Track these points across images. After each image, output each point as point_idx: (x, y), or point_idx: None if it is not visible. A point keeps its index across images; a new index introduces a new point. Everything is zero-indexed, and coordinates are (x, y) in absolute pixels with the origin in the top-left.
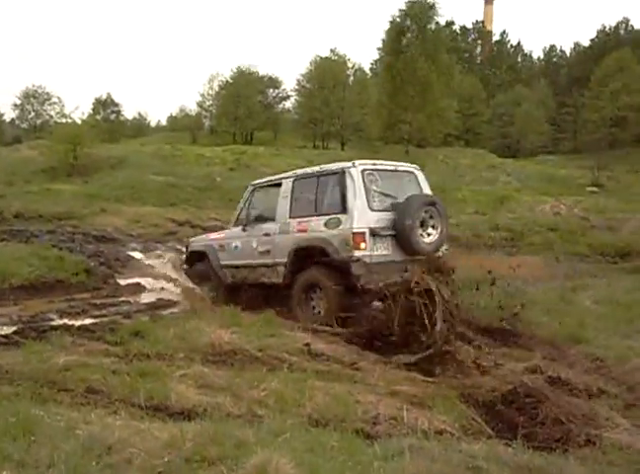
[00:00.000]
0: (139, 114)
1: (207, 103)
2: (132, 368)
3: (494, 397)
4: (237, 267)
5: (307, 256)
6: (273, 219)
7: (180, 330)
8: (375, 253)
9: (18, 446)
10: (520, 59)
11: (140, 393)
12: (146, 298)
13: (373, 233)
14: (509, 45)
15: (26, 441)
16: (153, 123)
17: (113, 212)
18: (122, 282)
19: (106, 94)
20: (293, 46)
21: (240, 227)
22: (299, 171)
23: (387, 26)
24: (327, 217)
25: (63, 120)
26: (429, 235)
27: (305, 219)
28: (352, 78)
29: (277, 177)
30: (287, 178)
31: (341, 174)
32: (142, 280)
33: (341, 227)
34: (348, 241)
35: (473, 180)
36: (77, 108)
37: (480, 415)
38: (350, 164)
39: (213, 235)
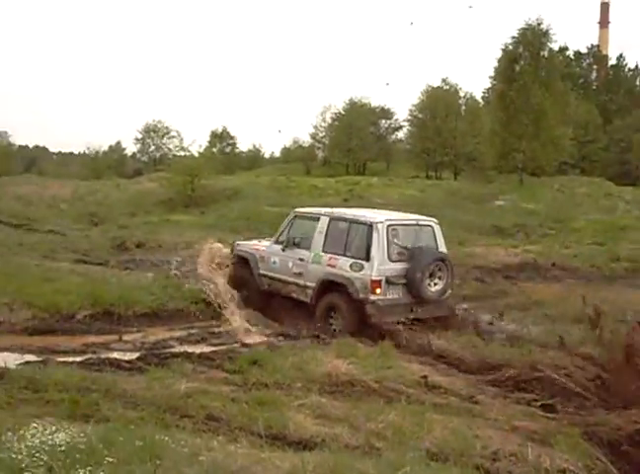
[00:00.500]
0: (254, 146)
1: (320, 134)
2: (251, 397)
3: (620, 436)
4: (273, 278)
5: (332, 287)
6: (308, 248)
7: (297, 359)
8: (388, 296)
9: (145, 470)
10: (638, 83)
11: (259, 422)
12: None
13: (388, 281)
14: (626, 69)
15: (152, 466)
16: (267, 155)
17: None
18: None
19: (222, 127)
20: (405, 77)
21: (280, 247)
22: (335, 211)
23: (499, 53)
24: (353, 261)
25: (182, 153)
26: (435, 285)
27: (335, 256)
28: (464, 107)
29: (316, 211)
30: (325, 215)
31: (369, 226)
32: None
33: (362, 272)
34: (366, 285)
35: (590, 209)
36: (194, 141)
37: (605, 454)
38: (378, 219)
39: (257, 245)
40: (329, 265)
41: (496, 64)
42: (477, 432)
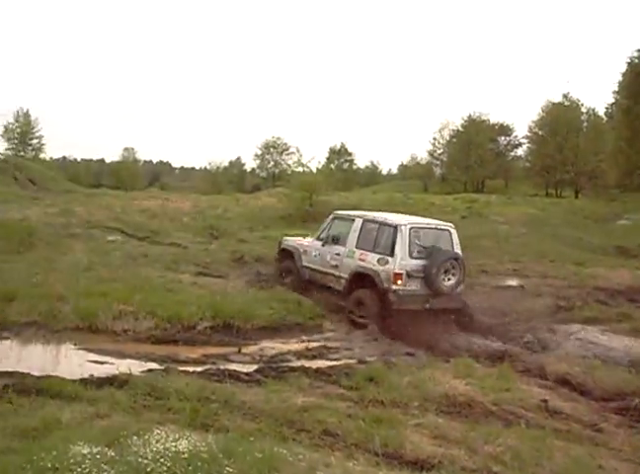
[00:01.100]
0: (371, 162)
1: (438, 151)
2: (367, 414)
3: None
4: (313, 270)
5: (362, 278)
6: (344, 244)
7: (414, 378)
8: (408, 288)
9: None
10: None
11: (376, 439)
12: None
13: (409, 274)
14: None
15: None
16: (384, 172)
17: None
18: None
19: (340, 143)
20: (524, 93)
21: (321, 243)
22: (368, 214)
23: (624, 67)
24: (380, 256)
25: (300, 170)
26: (449, 280)
27: (365, 252)
28: (585, 123)
29: (353, 213)
30: (359, 217)
31: (395, 228)
32: None
33: (387, 266)
34: (390, 277)
35: None
36: (313, 158)
37: None
38: (403, 222)
39: (300, 241)
40: (360, 259)
41: (620, 78)
42: (601, 462)
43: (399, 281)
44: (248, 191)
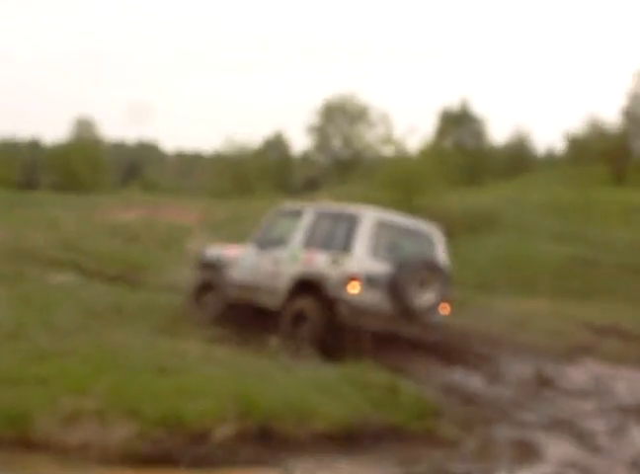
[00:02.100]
0: (517, 135)
1: None
2: None
3: None
4: (242, 286)
5: (305, 288)
6: (286, 246)
7: None
8: (366, 299)
9: None
10: None
11: None
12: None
13: (370, 280)
14: None
15: None
16: (541, 151)
17: (479, 305)
18: (498, 434)
19: (458, 103)
20: None
21: (255, 248)
22: (322, 205)
23: None
24: (331, 255)
25: (390, 151)
26: (425, 296)
27: (314, 253)
28: None
29: (300, 205)
30: (310, 209)
31: (355, 218)
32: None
33: (341, 267)
34: (343, 280)
35: None
36: (413, 130)
37: None
38: (365, 211)
39: (229, 249)
40: (305, 262)
41: None
42: None
43: (355, 288)
44: (298, 189)
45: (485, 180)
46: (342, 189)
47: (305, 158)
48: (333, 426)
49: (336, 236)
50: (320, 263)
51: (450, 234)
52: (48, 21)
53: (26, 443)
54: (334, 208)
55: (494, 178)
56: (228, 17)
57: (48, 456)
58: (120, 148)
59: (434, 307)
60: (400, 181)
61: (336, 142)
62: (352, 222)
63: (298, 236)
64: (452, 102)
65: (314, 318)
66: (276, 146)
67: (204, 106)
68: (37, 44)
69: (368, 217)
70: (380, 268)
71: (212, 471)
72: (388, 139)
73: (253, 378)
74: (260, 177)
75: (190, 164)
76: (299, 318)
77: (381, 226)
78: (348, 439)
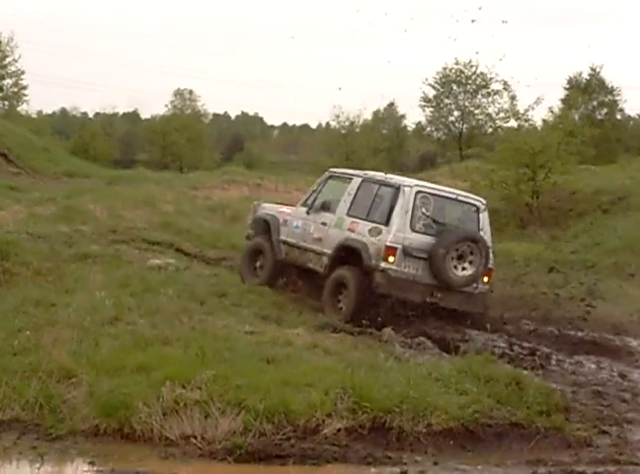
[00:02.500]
0: None
1: None
2: None
3: None
4: (291, 245)
5: (348, 254)
6: (334, 212)
7: None
8: (403, 269)
9: None
10: None
11: None
12: None
13: (406, 251)
14: None
15: None
16: None
17: (611, 298)
18: (635, 435)
19: (586, 71)
20: None
21: (306, 209)
22: (371, 173)
23: None
24: (372, 225)
25: (512, 125)
26: (463, 269)
27: (357, 221)
28: None
29: (351, 172)
30: (357, 177)
31: (396, 189)
32: None
33: (379, 237)
34: (380, 251)
35: None
36: (538, 100)
37: None
38: (408, 182)
39: (283, 209)
40: (349, 229)
41: None
42: None
43: (390, 258)
44: (411, 167)
45: (618, 156)
46: (461, 164)
47: (419, 132)
48: (452, 421)
49: (378, 206)
50: (362, 231)
51: (579, 214)
52: None
53: (126, 435)
54: (379, 177)
55: (628, 154)
56: None
57: (149, 448)
58: (222, 119)
59: (473, 279)
60: (524, 156)
61: (453, 115)
62: (394, 193)
63: (345, 203)
64: (582, 70)
65: (354, 286)
66: (388, 117)
67: (312, 77)
68: (135, 17)
69: (410, 188)
70: (420, 239)
71: (322, 467)
72: (511, 111)
73: (364, 369)
74: (371, 153)
75: (295, 138)
76: (340, 285)
77: (423, 198)
78: (468, 436)
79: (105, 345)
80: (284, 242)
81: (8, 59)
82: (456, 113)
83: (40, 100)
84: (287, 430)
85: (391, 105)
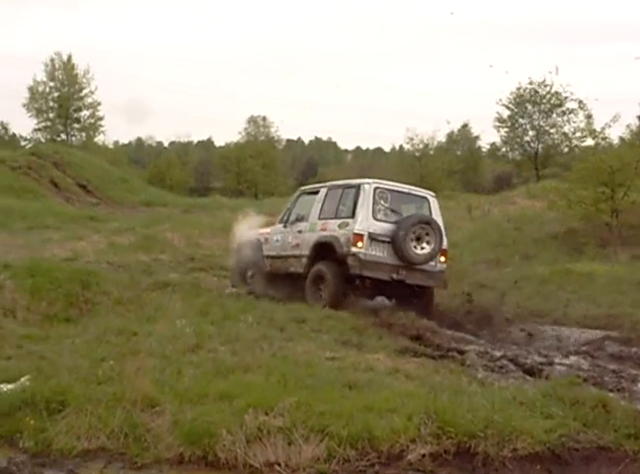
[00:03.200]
0: None
1: None
2: None
3: None
4: (274, 257)
5: (323, 249)
6: (307, 220)
7: None
8: (371, 252)
9: None
10: None
11: None
12: None
13: (372, 237)
14: None
15: None
16: None
17: None
18: None
19: None
20: None
21: (282, 225)
22: (334, 181)
23: None
24: (341, 220)
25: (589, 143)
26: (422, 248)
27: (328, 221)
28: None
29: (318, 185)
30: (324, 187)
31: (357, 187)
32: None
33: (347, 228)
34: (349, 239)
35: None
36: (615, 118)
37: None
38: (367, 181)
39: (262, 231)
40: (322, 229)
41: None
42: None
43: (359, 244)
44: (487, 188)
45: None
46: (537, 185)
47: (494, 153)
48: (538, 446)
49: (344, 204)
50: (333, 228)
51: None
52: (221, 21)
53: (211, 462)
54: (341, 183)
55: None
56: (408, 9)
57: None
58: (296, 146)
59: (431, 256)
60: (602, 175)
61: (528, 135)
62: (355, 191)
63: (315, 210)
64: None
65: (330, 277)
66: (462, 141)
67: (385, 100)
68: (208, 45)
69: (369, 185)
70: (382, 226)
71: None
72: (587, 130)
73: (447, 394)
74: (445, 174)
75: (369, 162)
76: (319, 278)
77: (381, 192)
78: (555, 461)
79: (187, 373)
80: (268, 256)
81: (85, 91)
82: (531, 132)
83: (117, 130)
84: (372, 456)
85: (465, 126)
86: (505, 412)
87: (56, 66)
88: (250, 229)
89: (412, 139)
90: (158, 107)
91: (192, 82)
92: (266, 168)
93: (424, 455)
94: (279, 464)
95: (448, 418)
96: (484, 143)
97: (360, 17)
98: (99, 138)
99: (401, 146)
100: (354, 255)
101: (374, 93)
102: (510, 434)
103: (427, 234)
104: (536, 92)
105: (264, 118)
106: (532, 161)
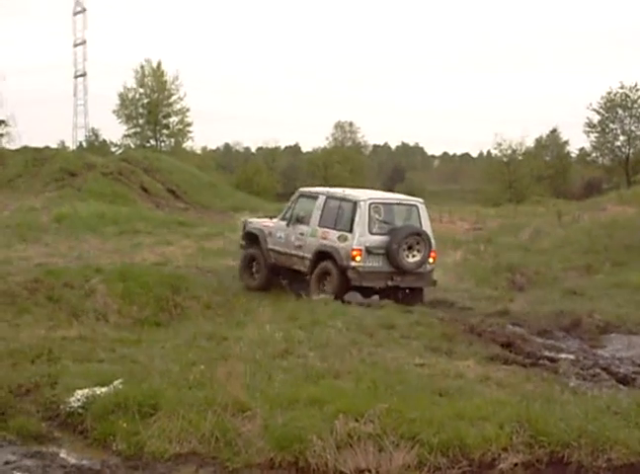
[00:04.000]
0: None
1: None
2: None
3: None
4: (278, 252)
5: (324, 256)
6: (308, 223)
7: None
8: (368, 264)
9: None
10: None
11: None
12: None
13: (368, 251)
14: None
15: None
16: None
17: None
18: None
19: None
20: None
21: (285, 223)
22: (331, 190)
23: None
24: (340, 233)
25: None
26: (414, 256)
27: (327, 230)
28: None
29: (315, 190)
30: (322, 194)
31: (354, 204)
32: None
33: (346, 242)
34: (348, 254)
35: None
36: None
37: None
38: (362, 197)
39: (266, 222)
40: (322, 237)
41: None
42: None
43: (357, 258)
44: (576, 194)
45: None
46: (628, 191)
47: (584, 159)
48: (633, 456)
49: (342, 217)
50: (332, 239)
51: None
52: (310, 27)
53: (301, 468)
54: (338, 193)
55: None
56: (496, 14)
57: None
58: (383, 152)
59: (422, 263)
60: None
61: (619, 140)
62: (352, 207)
63: (316, 216)
64: None
65: (335, 273)
66: (551, 147)
67: (472, 105)
68: (295, 51)
69: (364, 202)
70: (377, 239)
71: None
72: None
73: (539, 402)
74: (534, 180)
75: (456, 167)
76: (323, 276)
77: (375, 207)
78: None
79: (277, 378)
80: (272, 250)
81: (174, 97)
82: (622, 137)
83: (205, 136)
84: (463, 464)
85: (554, 131)
86: (598, 421)
87: (146, 73)
88: (254, 222)
89: (500, 145)
90: (246, 112)
91: (279, 87)
92: (353, 173)
93: (516, 464)
94: (369, 471)
95: (541, 427)
96: (573, 149)
97: (449, 22)
98: (187, 144)
99: (489, 152)
100: (353, 268)
101: (462, 98)
102: (604, 444)
103: (417, 243)
104: (628, 96)
105: (350, 124)
106: (623, 166)
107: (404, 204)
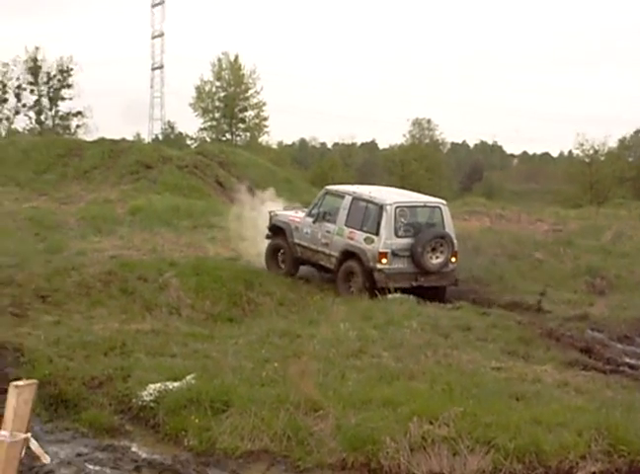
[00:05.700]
0: None
1: None
2: None
3: None
4: (305, 247)
5: (351, 256)
6: (334, 222)
7: None
8: (394, 266)
9: None
10: None
11: None
12: None
13: (394, 253)
14: None
15: None
16: None
17: None
18: None
19: None
20: None
21: (312, 219)
22: (358, 191)
23: None
24: (366, 235)
25: None
26: (437, 258)
27: (354, 230)
28: None
29: (342, 189)
30: (349, 194)
31: (380, 207)
32: None
33: (373, 245)
34: (375, 256)
35: None
36: None
37: None
38: (388, 201)
39: (293, 216)
40: (349, 237)
41: None
42: None
43: (384, 260)
44: None
45: None
46: None
47: None
48: None
49: (368, 219)
50: (359, 239)
51: None
52: (386, 22)
53: (373, 470)
54: (365, 195)
55: None
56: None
57: None
58: (461, 150)
59: (445, 263)
60: None
61: None
62: (378, 210)
63: (342, 216)
64: None
65: (360, 273)
66: (634, 147)
67: (553, 104)
68: (372, 46)
69: (391, 206)
70: (402, 242)
71: None
72: None
73: (619, 410)
74: (616, 181)
75: (536, 167)
76: (350, 274)
77: (400, 210)
78: None
79: (350, 377)
80: (299, 244)
81: (250, 91)
82: None
83: (281, 130)
84: (539, 471)
85: (638, 132)
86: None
87: (223, 66)
88: (280, 215)
89: (582, 145)
90: (323, 107)
91: (356, 83)
92: (430, 171)
93: (594, 473)
94: None
95: (621, 435)
96: None
97: (531, 19)
98: (263, 138)
99: (570, 152)
100: (380, 270)
101: (541, 97)
102: None
103: (441, 245)
104: None
105: (428, 121)
106: None
107: (428, 206)
